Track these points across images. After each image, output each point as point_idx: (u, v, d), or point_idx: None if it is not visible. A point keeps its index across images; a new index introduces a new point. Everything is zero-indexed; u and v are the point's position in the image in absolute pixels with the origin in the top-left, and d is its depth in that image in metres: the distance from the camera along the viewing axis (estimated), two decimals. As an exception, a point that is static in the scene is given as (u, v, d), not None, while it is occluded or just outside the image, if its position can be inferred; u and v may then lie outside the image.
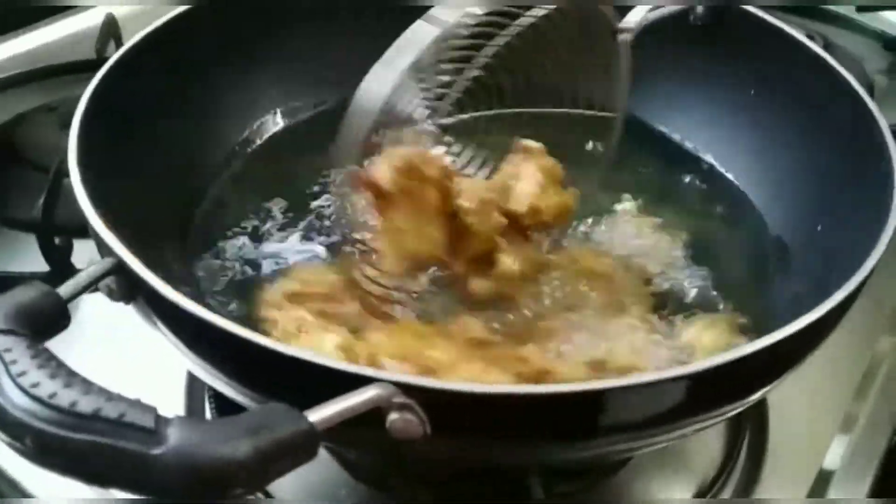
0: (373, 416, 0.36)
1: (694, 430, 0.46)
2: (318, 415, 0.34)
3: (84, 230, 0.68)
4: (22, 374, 0.31)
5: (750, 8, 0.66)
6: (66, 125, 0.83)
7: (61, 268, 0.69)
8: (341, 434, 0.35)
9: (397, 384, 0.36)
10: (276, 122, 0.73)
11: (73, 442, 0.30)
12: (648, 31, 0.63)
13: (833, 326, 0.46)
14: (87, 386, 0.32)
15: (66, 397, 0.31)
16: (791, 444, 0.61)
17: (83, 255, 0.69)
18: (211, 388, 0.59)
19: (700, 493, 0.58)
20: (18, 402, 0.31)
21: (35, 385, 0.31)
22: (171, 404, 0.59)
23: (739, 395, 0.45)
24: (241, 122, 0.70)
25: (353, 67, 0.54)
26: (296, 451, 0.32)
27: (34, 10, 1.03)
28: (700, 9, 0.67)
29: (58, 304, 0.38)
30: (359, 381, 0.36)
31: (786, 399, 0.54)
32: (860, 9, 1.06)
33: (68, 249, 0.70)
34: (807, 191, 0.62)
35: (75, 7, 1.05)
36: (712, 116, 0.69)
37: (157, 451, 0.30)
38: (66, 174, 0.66)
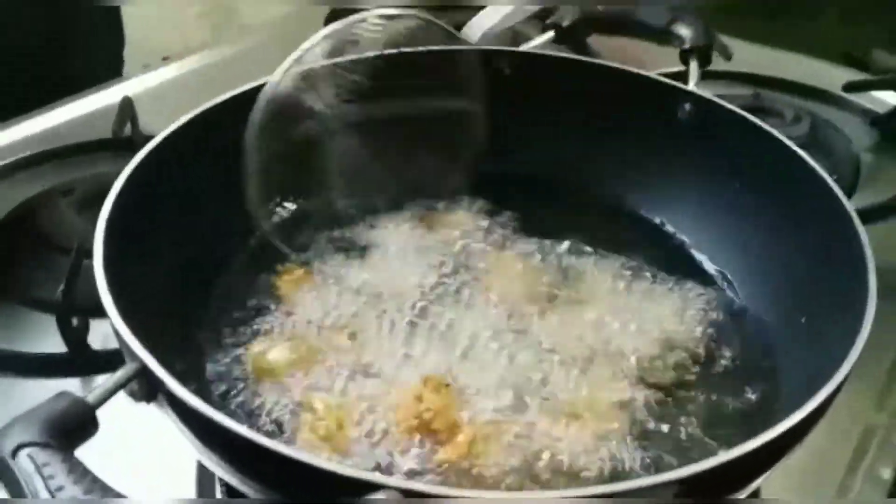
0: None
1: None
2: (330, 524, 0.36)
3: (101, 310, 0.73)
4: (60, 488, 0.34)
5: (734, 108, 0.69)
6: (84, 206, 0.88)
7: (78, 348, 0.71)
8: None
9: (403, 491, 0.38)
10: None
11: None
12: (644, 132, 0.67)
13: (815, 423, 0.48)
14: (119, 500, 0.34)
15: (97, 511, 0.33)
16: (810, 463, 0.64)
17: (98, 333, 0.72)
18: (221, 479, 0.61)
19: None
20: (57, 518, 0.33)
21: (72, 500, 0.34)
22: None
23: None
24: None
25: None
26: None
27: (49, 89, 1.07)
28: (688, 106, 0.71)
29: (87, 413, 0.41)
30: (364, 488, 0.38)
31: (775, 483, 0.56)
32: (846, 88, 1.10)
33: (85, 330, 0.72)
34: (790, 284, 0.65)
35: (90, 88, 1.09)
36: (700, 212, 0.73)
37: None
38: (87, 256, 0.70)
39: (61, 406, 0.40)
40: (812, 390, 0.47)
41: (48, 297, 0.73)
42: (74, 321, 0.71)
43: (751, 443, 0.43)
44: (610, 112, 0.76)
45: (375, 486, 0.38)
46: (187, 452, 0.56)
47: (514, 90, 0.76)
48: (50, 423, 0.38)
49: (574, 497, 0.39)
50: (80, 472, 0.35)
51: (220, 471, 0.46)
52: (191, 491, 0.61)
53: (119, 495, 0.34)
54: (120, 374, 0.44)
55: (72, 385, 0.69)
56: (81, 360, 0.71)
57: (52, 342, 0.71)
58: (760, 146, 0.64)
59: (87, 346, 0.72)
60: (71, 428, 0.39)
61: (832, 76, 1.13)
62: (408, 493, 0.38)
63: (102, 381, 0.45)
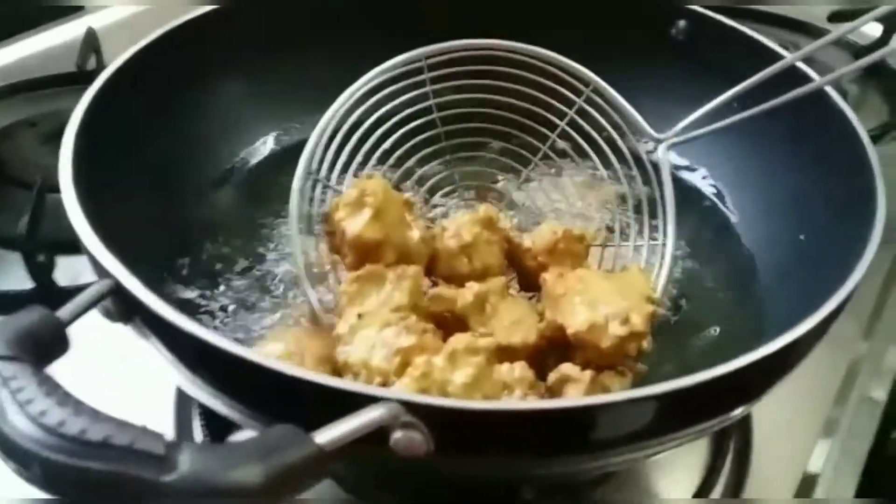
0: (376, 434, 0.36)
1: (684, 440, 0.47)
2: (326, 436, 0.34)
3: (67, 247, 0.69)
4: (29, 401, 0.31)
5: (729, 21, 0.67)
6: (48, 141, 0.85)
7: (45, 285, 0.69)
8: (346, 453, 0.35)
9: (403, 402, 0.36)
10: (270, 144, 0.74)
11: (84, 470, 0.30)
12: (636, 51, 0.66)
13: (818, 339, 0.47)
14: (95, 414, 0.32)
15: (74, 425, 0.31)
16: (775, 449, 0.62)
17: (66, 271, 0.69)
18: (201, 408, 0.59)
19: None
20: (26, 430, 0.31)
21: (43, 413, 0.31)
22: (161, 425, 0.58)
23: (726, 409, 0.46)
24: (237, 140, 0.71)
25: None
26: (306, 473, 0.33)
27: (11, 22, 1.03)
28: (682, 23, 0.68)
29: (58, 329, 0.38)
30: (364, 401, 0.36)
31: (768, 407, 0.55)
32: (831, 18, 1.08)
33: (51, 266, 0.70)
34: (789, 201, 0.63)
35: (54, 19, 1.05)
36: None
37: (168, 478, 0.30)
38: (50, 191, 0.67)
39: (30, 319, 0.37)
40: (813, 306, 0.45)
41: (10, 233, 0.70)
42: (40, 257, 0.69)
43: (758, 352, 0.42)
44: (600, 31, 0.73)
45: (374, 399, 0.36)
46: (165, 379, 0.54)
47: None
48: (18, 336, 0.35)
49: (577, 406, 0.38)
50: (51, 386, 0.33)
51: (203, 394, 0.44)
52: (168, 418, 0.59)
53: (94, 410, 0.31)
54: (93, 289, 0.41)
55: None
56: (48, 297, 0.68)
57: (15, 279, 0.69)
58: (760, 62, 0.61)
59: (54, 283, 0.69)
60: (41, 343, 0.37)
61: (816, 9, 1.10)
62: (409, 406, 0.36)
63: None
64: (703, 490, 0.59)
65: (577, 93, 0.63)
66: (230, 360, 0.38)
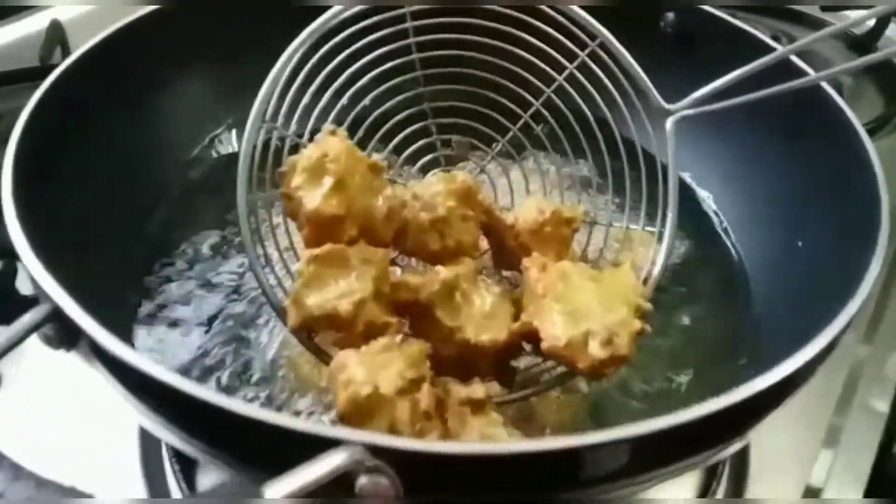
0: (339, 479, 0.33)
1: (674, 475, 0.43)
2: (281, 490, 0.30)
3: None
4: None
5: (720, 13, 0.63)
6: (6, 141, 0.81)
7: (5, 294, 0.66)
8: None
9: (367, 446, 0.33)
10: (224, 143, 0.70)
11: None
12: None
13: (821, 363, 0.44)
14: (16, 470, 0.28)
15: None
16: (775, 461, 0.59)
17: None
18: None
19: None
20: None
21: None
22: (126, 451, 0.56)
23: (718, 444, 0.43)
24: (189, 140, 0.67)
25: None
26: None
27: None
28: (671, 16, 0.64)
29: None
30: (324, 444, 0.33)
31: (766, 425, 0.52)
32: (825, 8, 1.05)
33: (11, 274, 0.66)
34: (783, 206, 0.60)
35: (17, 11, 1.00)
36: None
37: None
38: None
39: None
40: (814, 325, 0.42)
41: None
42: (0, 265, 0.65)
43: (758, 382, 0.39)
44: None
45: (335, 442, 0.33)
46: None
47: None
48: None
49: (556, 448, 0.34)
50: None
51: (159, 429, 0.40)
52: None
53: (14, 465, 0.28)
54: (28, 317, 0.37)
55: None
56: (8, 306, 0.65)
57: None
58: (751, 56, 0.58)
59: (16, 292, 0.66)
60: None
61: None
62: (373, 449, 0.33)
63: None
64: None
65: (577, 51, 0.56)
66: (181, 398, 0.35)
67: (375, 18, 0.54)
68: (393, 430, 0.39)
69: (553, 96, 0.57)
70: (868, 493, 0.58)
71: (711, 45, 0.65)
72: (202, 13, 0.66)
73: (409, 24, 0.55)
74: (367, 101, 0.56)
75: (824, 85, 0.57)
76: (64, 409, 0.58)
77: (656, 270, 0.54)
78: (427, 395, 0.41)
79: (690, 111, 0.54)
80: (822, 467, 0.60)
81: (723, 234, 0.65)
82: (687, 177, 0.69)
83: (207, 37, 0.67)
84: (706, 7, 0.65)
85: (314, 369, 0.53)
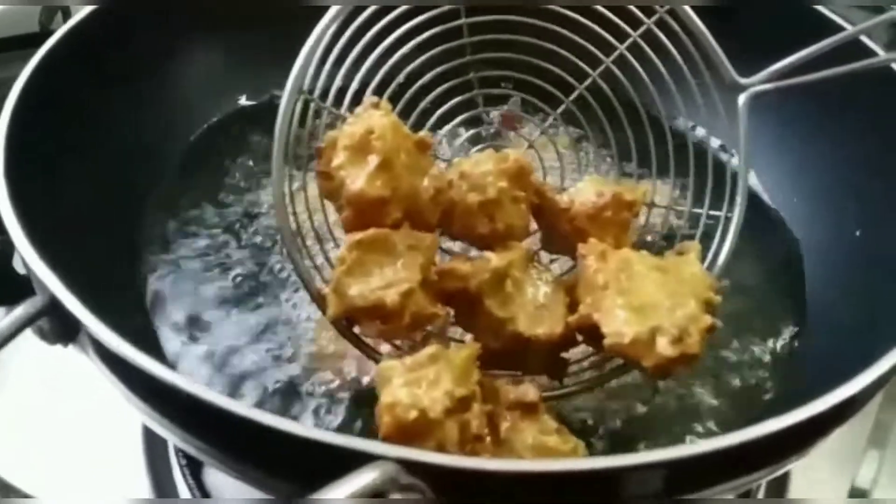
0: (372, 497, 0.29)
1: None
2: (312, 510, 0.27)
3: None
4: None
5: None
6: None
7: (2, 273, 0.62)
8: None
9: (402, 461, 0.29)
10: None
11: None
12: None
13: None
14: (5, 490, 0.24)
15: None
16: (819, 463, 0.56)
17: None
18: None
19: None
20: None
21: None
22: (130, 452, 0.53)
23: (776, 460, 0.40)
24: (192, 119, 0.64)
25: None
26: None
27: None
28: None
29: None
30: (357, 459, 0.29)
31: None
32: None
33: (9, 252, 0.63)
34: (842, 192, 0.56)
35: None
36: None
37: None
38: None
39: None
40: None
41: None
42: (-3, 245, 0.62)
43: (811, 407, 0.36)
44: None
45: (368, 457, 0.29)
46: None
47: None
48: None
49: (593, 468, 0.31)
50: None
51: (160, 428, 0.36)
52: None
53: (5, 485, 0.24)
54: (22, 309, 0.34)
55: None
56: (6, 286, 0.62)
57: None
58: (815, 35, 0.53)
59: (13, 270, 0.62)
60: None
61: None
62: (408, 465, 0.29)
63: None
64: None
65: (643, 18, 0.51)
66: (196, 405, 0.31)
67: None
68: (441, 451, 0.36)
69: (613, 67, 0.51)
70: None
71: (775, 22, 0.60)
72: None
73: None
74: (408, 70, 0.51)
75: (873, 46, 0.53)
76: (60, 406, 0.55)
77: (721, 258, 0.49)
78: (478, 415, 0.37)
79: (767, 86, 0.48)
80: (869, 468, 0.56)
81: (776, 223, 0.61)
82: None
83: (213, 9, 0.63)
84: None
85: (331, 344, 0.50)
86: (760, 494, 0.54)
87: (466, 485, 0.31)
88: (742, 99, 0.49)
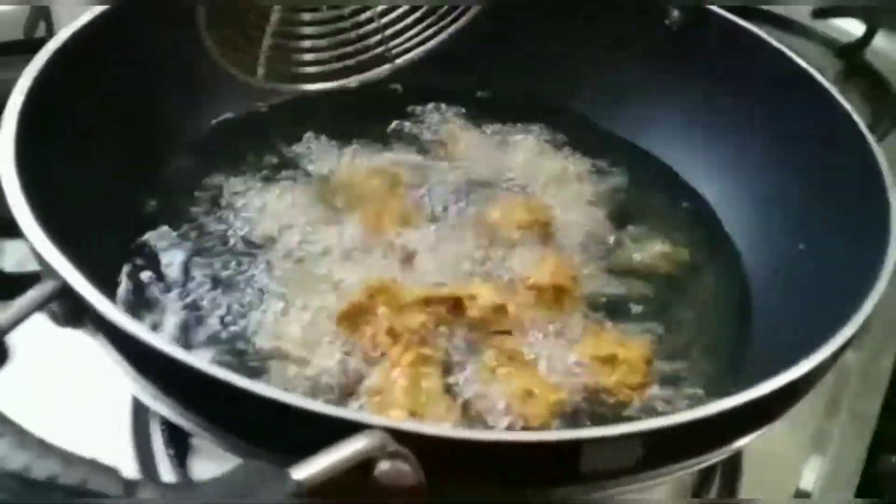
0: (360, 464, 0.32)
1: (676, 474, 0.43)
2: (305, 472, 0.30)
3: (13, 230, 0.64)
4: (-43, 431, 0.27)
5: (724, 13, 0.64)
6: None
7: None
8: (326, 488, 0.31)
9: (389, 430, 0.32)
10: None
11: (26, 514, 0.26)
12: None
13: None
14: (42, 447, 0.27)
15: (16, 460, 0.26)
16: (765, 466, 0.59)
17: (12, 257, 0.66)
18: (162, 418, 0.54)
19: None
20: (-42, 466, 0.26)
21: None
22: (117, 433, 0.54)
23: (720, 444, 0.43)
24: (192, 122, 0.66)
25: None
26: (282, 516, 0.28)
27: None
28: (675, 13, 0.65)
29: (-6, 338, 0.34)
30: (347, 428, 0.32)
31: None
32: (815, 15, 1.06)
33: (-4, 252, 0.65)
34: (786, 208, 0.60)
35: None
36: (685, 130, 0.67)
37: (127, 526, 0.26)
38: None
39: (-38, 329, 0.32)
40: (823, 332, 0.43)
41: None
42: (-18, 242, 0.64)
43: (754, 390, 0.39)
44: (588, 21, 0.69)
45: (358, 426, 0.32)
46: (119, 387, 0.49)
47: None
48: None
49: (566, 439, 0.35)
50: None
51: (161, 406, 0.39)
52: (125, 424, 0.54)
53: (41, 442, 0.27)
54: (36, 292, 0.36)
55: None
56: (-3, 283, 0.64)
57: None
58: (755, 56, 0.58)
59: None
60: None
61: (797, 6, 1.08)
62: (396, 434, 0.32)
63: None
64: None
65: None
66: (198, 378, 0.34)
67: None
68: None
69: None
70: (858, 497, 0.59)
71: (716, 45, 0.65)
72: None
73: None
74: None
75: (827, 85, 0.59)
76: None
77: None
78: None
79: None
80: (812, 472, 0.60)
81: (721, 238, 0.65)
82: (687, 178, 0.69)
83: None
84: (714, 8, 0.65)
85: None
86: (712, 494, 0.57)
87: (447, 452, 0.34)
88: None
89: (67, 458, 0.27)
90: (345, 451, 0.31)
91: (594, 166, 0.67)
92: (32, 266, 0.55)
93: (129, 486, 0.27)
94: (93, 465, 0.27)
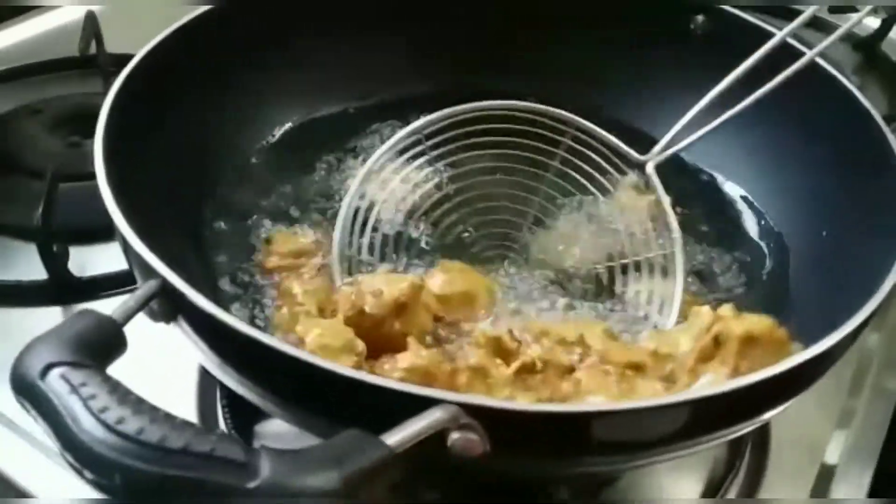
0: (435, 436, 0.37)
1: (708, 444, 0.47)
2: (394, 438, 0.34)
3: (80, 237, 0.69)
4: (104, 409, 0.31)
5: (750, 18, 0.67)
6: (55, 128, 0.84)
7: (60, 275, 0.68)
8: (410, 455, 0.36)
9: (461, 404, 0.37)
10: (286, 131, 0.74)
11: (166, 479, 0.30)
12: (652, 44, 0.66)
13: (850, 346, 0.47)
14: (172, 420, 0.32)
15: (154, 433, 0.31)
16: (792, 441, 0.63)
17: (79, 261, 0.69)
18: (225, 401, 0.59)
19: (709, 490, 0.60)
20: (104, 438, 0.31)
21: (120, 421, 0.31)
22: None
23: (749, 417, 0.46)
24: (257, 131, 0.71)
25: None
26: (380, 476, 0.33)
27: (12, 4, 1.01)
28: (700, 18, 0.68)
29: (115, 330, 0.38)
30: (424, 404, 0.37)
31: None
32: (832, 10, 1.09)
33: (65, 256, 0.69)
34: (807, 196, 0.64)
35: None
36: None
37: (251, 484, 0.30)
38: (62, 180, 0.67)
39: (88, 323, 0.37)
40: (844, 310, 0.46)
41: (25, 223, 0.69)
42: (55, 248, 0.68)
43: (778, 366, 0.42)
44: (613, 25, 0.73)
45: (433, 401, 0.37)
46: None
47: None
48: (79, 341, 0.35)
49: (627, 408, 0.39)
50: (122, 392, 0.32)
51: (246, 391, 0.44)
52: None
53: (169, 415, 0.31)
54: (142, 291, 0.41)
55: (54, 314, 0.66)
56: (64, 288, 0.68)
57: (27, 270, 0.68)
58: (780, 59, 0.62)
59: (70, 273, 0.69)
60: (101, 346, 0.36)
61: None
62: (466, 407, 0.36)
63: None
64: (723, 482, 0.60)
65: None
66: (286, 364, 0.38)
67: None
68: None
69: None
70: (879, 470, 0.62)
71: (741, 49, 0.68)
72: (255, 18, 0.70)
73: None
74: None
75: (844, 81, 0.63)
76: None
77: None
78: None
79: (662, 157, 0.63)
80: (836, 446, 0.64)
81: (752, 229, 0.69)
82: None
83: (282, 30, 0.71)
84: (737, 11, 0.69)
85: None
86: (743, 468, 0.61)
87: (514, 424, 0.38)
88: (649, 170, 0.62)
89: (197, 430, 0.31)
90: (425, 420, 0.36)
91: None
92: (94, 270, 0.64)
93: (250, 452, 0.31)
94: (219, 435, 0.31)
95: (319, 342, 0.46)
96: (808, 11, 0.62)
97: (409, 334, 0.49)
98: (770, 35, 0.64)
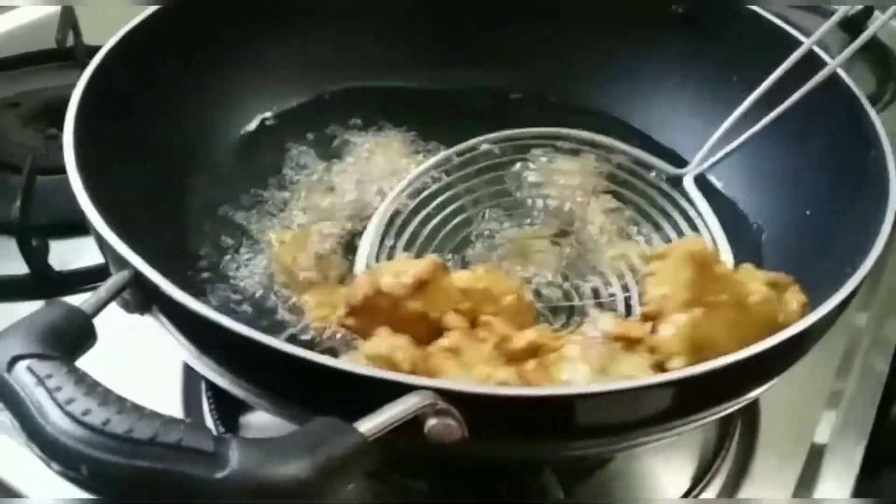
0: (411, 422, 0.36)
1: (705, 420, 0.47)
2: (368, 425, 0.34)
3: (60, 230, 0.68)
4: (69, 401, 0.31)
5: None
6: (32, 120, 0.83)
7: (40, 269, 0.68)
8: (384, 442, 0.35)
9: (437, 390, 0.36)
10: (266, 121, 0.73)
11: (133, 470, 0.29)
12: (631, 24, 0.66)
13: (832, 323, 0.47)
14: (139, 410, 0.31)
15: (120, 424, 0.30)
16: (782, 422, 0.63)
17: (60, 255, 0.68)
18: (210, 392, 0.58)
19: (699, 471, 0.60)
20: (69, 430, 0.30)
21: (86, 412, 0.30)
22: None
23: (735, 395, 0.46)
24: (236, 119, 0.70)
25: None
26: (353, 464, 0.32)
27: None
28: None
29: (84, 322, 0.38)
30: (399, 390, 0.36)
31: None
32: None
33: (45, 250, 0.69)
34: (789, 175, 0.63)
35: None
36: (693, 108, 0.71)
37: (220, 474, 0.29)
38: (40, 173, 0.66)
39: (57, 315, 0.36)
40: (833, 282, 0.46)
41: (3, 217, 0.68)
42: (34, 242, 0.67)
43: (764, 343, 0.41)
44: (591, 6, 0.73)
45: (408, 387, 0.36)
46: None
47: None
48: (47, 333, 0.35)
49: (609, 390, 0.38)
50: (88, 383, 0.32)
51: (223, 381, 0.43)
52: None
53: (136, 406, 0.31)
54: (113, 281, 0.40)
55: (35, 308, 0.65)
56: (44, 282, 0.68)
57: (7, 264, 0.67)
58: (762, 38, 0.61)
59: (50, 267, 0.68)
60: (69, 338, 0.36)
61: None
62: (443, 393, 0.36)
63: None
64: (713, 462, 0.59)
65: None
66: (262, 352, 0.38)
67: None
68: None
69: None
70: (869, 450, 0.62)
71: (723, 29, 0.68)
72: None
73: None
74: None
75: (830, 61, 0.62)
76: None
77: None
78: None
79: (700, 169, 0.65)
80: (826, 426, 0.63)
81: (732, 207, 0.68)
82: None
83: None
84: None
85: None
86: (733, 447, 0.60)
87: (491, 409, 0.37)
88: (686, 185, 0.65)
89: (165, 420, 0.31)
90: (400, 407, 0.35)
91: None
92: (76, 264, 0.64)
93: (219, 442, 0.31)
94: (188, 425, 0.31)
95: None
96: (840, 11, 0.62)
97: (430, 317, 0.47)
98: (756, 16, 0.64)
